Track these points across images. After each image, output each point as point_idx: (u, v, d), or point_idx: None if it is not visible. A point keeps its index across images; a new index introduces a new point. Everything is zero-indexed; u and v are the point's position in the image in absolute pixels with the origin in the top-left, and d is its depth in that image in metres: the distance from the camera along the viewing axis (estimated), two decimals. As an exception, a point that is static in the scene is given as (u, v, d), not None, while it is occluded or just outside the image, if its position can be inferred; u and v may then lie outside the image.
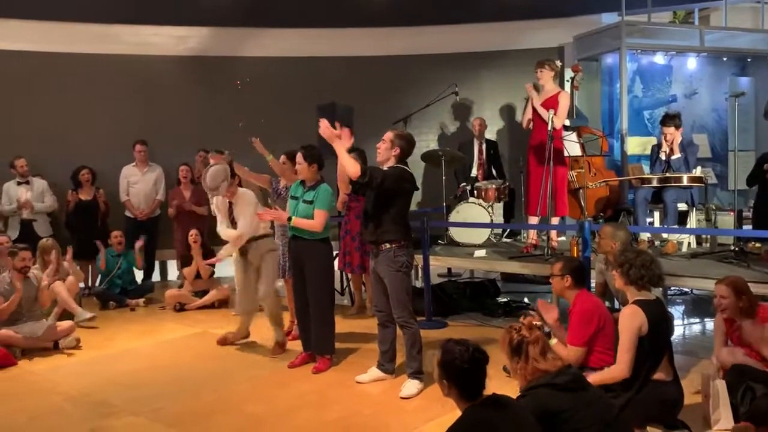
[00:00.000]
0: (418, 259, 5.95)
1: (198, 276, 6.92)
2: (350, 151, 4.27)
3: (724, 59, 8.09)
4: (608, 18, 8.46)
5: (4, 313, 5.24)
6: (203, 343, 5.57)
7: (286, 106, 8.25)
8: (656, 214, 6.45)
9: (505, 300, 6.52)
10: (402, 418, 3.86)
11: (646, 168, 6.98)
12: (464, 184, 7.46)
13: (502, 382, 2.74)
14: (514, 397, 2.62)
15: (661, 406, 3.27)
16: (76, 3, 7.98)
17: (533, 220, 6.20)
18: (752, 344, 3.56)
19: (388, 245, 4.20)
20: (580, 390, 2.65)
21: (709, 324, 5.79)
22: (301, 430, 3.77)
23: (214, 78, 8.57)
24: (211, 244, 7.14)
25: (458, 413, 2.53)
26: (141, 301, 7.03)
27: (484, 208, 6.79)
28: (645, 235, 6.11)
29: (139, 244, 7.19)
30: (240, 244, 5.12)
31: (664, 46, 7.81)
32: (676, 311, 6.30)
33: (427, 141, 8.80)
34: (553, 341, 3.61)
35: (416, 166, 7.41)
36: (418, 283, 6.76)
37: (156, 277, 8.33)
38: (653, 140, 6.99)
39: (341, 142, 4.16)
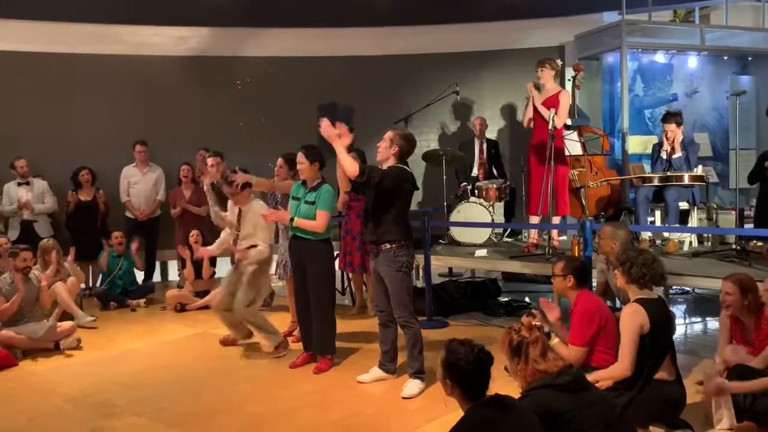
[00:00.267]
0: (419, 258, 5.95)
1: (199, 276, 6.92)
2: (349, 149, 4.27)
3: (725, 58, 8.08)
4: (609, 17, 8.45)
5: (5, 314, 5.23)
6: (204, 343, 5.56)
7: (287, 106, 8.25)
8: (657, 213, 6.44)
9: (506, 299, 6.52)
10: (404, 418, 3.86)
11: (647, 167, 6.98)
12: (465, 183, 7.45)
13: (504, 383, 2.73)
14: (516, 397, 2.62)
15: (663, 405, 3.26)
16: (77, 3, 7.97)
17: (534, 219, 6.19)
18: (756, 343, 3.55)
19: (388, 245, 4.19)
20: (582, 390, 2.64)
21: (711, 323, 5.79)
22: (303, 430, 3.76)
23: (214, 78, 8.57)
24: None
25: (460, 413, 2.52)
26: (142, 301, 7.03)
27: (485, 207, 6.78)
28: (646, 234, 6.10)
29: (134, 245, 7.15)
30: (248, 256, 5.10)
31: (664, 44, 7.81)
32: (678, 310, 6.29)
33: (427, 140, 8.80)
34: (555, 341, 3.60)
35: (417, 166, 7.41)
36: (419, 283, 6.76)
37: (157, 277, 8.33)
38: (654, 139, 6.98)
39: (341, 141, 4.16)
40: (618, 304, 4.57)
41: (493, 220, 6.81)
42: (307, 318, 4.73)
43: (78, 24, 8.13)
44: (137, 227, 7.79)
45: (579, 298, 3.72)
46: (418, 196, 8.12)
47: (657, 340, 3.20)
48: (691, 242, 6.30)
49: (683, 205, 6.18)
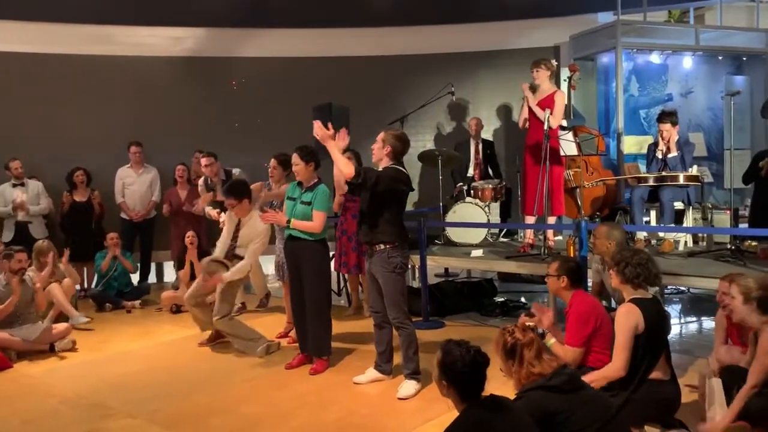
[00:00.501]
0: (415, 259, 5.95)
1: (194, 277, 6.90)
2: (345, 151, 4.27)
3: (720, 58, 8.11)
4: (604, 17, 8.46)
5: (0, 316, 5.21)
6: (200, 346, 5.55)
7: (282, 107, 8.25)
8: (653, 213, 6.46)
9: (502, 300, 6.52)
10: (400, 419, 3.86)
11: (643, 167, 6.99)
12: (461, 183, 7.46)
13: (500, 383, 2.73)
14: (511, 398, 2.62)
15: (658, 405, 3.27)
16: (72, 4, 7.95)
17: (530, 219, 6.20)
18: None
19: (382, 246, 4.19)
20: (577, 390, 2.65)
21: (706, 323, 5.80)
22: (299, 431, 3.77)
23: (209, 79, 8.56)
24: (210, 246, 7.13)
25: (456, 414, 2.53)
26: (137, 302, 7.01)
27: (481, 207, 6.79)
28: (642, 234, 6.11)
29: (113, 253, 7.07)
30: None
31: (659, 45, 7.83)
32: (673, 310, 6.31)
33: (423, 141, 8.81)
34: (552, 341, 3.61)
35: (413, 166, 7.41)
36: (415, 284, 6.76)
37: (152, 278, 8.31)
38: (649, 139, 7.00)
39: (336, 143, 4.16)
40: (613, 304, 4.58)
41: (488, 220, 6.82)
42: (303, 319, 4.73)
43: (73, 25, 8.11)
44: (132, 228, 7.77)
45: (574, 299, 3.72)
46: (414, 197, 8.13)
47: (652, 340, 3.21)
48: (686, 242, 6.32)
49: (678, 205, 6.20)
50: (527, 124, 6.15)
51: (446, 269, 7.82)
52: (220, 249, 5.27)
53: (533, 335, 2.75)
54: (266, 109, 8.43)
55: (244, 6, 8.32)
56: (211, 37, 8.60)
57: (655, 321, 3.23)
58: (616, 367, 3.20)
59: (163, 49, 8.53)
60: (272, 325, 5.34)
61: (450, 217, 6.79)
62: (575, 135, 6.63)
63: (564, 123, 6.30)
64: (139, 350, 5.50)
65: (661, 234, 6.18)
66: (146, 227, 7.92)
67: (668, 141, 6.07)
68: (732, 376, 3.31)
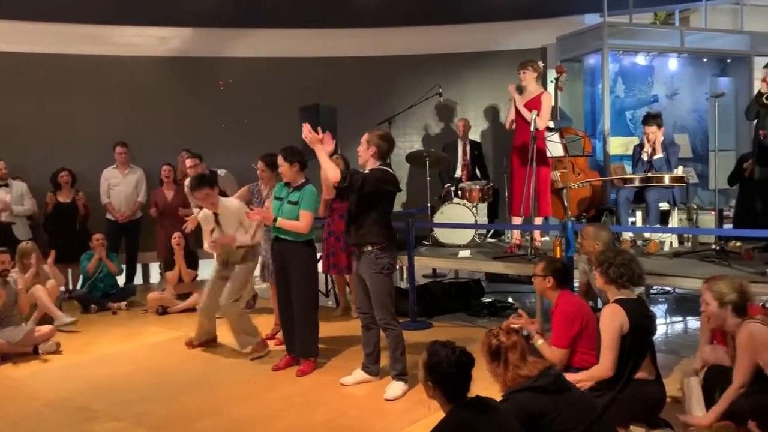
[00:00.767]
0: (403, 260, 5.95)
1: (181, 279, 6.87)
2: (332, 155, 4.27)
3: (705, 60, 8.17)
4: (590, 19, 8.52)
5: (-17, 318, 5.16)
6: (186, 346, 5.51)
7: (269, 107, 8.23)
8: (638, 214, 6.50)
9: (489, 300, 6.54)
10: (387, 420, 3.85)
11: (629, 168, 7.03)
12: (449, 184, 7.47)
13: (486, 384, 2.74)
14: (498, 399, 2.62)
15: (644, 405, 3.29)
16: (58, 3, 7.89)
17: (517, 220, 6.22)
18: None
19: (369, 247, 4.19)
20: (563, 391, 2.66)
21: (692, 323, 5.85)
22: (286, 434, 3.75)
23: (197, 79, 8.53)
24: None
25: (442, 415, 2.53)
26: (123, 304, 6.96)
27: (469, 208, 6.80)
28: (627, 235, 6.15)
29: (103, 250, 7.01)
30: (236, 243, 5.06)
31: (645, 46, 7.88)
32: (659, 310, 6.35)
33: (411, 142, 8.82)
34: (539, 342, 3.62)
35: (401, 167, 7.42)
36: (403, 284, 6.76)
37: (138, 280, 8.26)
38: (635, 140, 7.04)
39: (323, 146, 4.16)
40: (600, 304, 4.60)
41: (476, 221, 6.83)
42: (290, 320, 4.72)
43: (59, 24, 8.06)
44: (118, 229, 7.72)
45: (560, 299, 3.74)
46: (401, 198, 8.14)
47: (637, 340, 3.23)
48: (671, 243, 6.36)
49: (664, 205, 6.24)
50: (514, 126, 6.17)
51: (434, 270, 7.83)
52: (208, 241, 5.22)
53: (518, 338, 2.75)
54: (253, 109, 8.40)
55: (231, 6, 8.30)
56: (199, 37, 8.57)
57: (640, 321, 3.25)
58: (602, 368, 3.22)
59: (149, 48, 8.49)
60: (259, 327, 5.31)
61: (438, 217, 6.80)
62: (562, 136, 6.68)
63: (551, 124, 6.33)
64: (125, 352, 5.46)
65: (646, 234, 6.22)
66: (132, 228, 7.87)
67: (653, 143, 6.12)
68: (717, 376, 3.33)
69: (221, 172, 6.52)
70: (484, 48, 8.77)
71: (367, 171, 4.22)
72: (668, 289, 6.73)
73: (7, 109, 7.89)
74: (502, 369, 2.68)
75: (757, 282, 4.36)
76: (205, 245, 5.27)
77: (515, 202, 6.13)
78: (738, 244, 5.69)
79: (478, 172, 7.82)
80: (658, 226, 6.07)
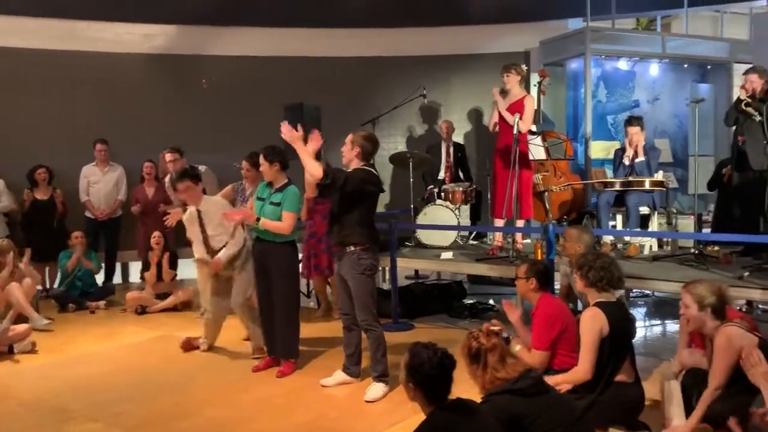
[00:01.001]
0: (386, 261, 5.95)
1: (160, 278, 6.80)
2: (317, 155, 4.24)
3: (685, 66, 8.27)
4: (574, 24, 8.58)
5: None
6: (165, 346, 5.46)
7: (253, 106, 8.18)
8: (619, 218, 6.55)
9: (471, 302, 6.55)
10: (367, 422, 3.84)
11: (610, 172, 7.09)
12: (432, 186, 7.48)
13: (467, 386, 2.74)
14: (478, 401, 2.63)
15: (623, 407, 3.31)
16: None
17: (499, 222, 6.24)
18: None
19: (352, 248, 4.17)
20: (542, 394, 2.67)
21: (670, 326, 5.91)
22: (265, 435, 3.73)
23: (180, 77, 8.46)
24: (177, 246, 7.03)
25: (423, 416, 2.52)
26: (101, 303, 6.87)
27: (451, 210, 6.81)
28: (608, 238, 6.20)
29: (76, 256, 6.91)
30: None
31: (627, 52, 7.96)
32: (638, 313, 6.41)
33: (395, 143, 8.82)
34: (517, 348, 3.62)
35: (384, 168, 7.41)
36: (385, 285, 6.75)
37: (117, 279, 8.16)
38: (617, 145, 7.11)
39: (309, 144, 4.15)
40: (580, 307, 4.63)
41: (459, 222, 6.85)
42: (271, 321, 4.68)
43: (40, 19, 7.94)
44: (97, 228, 7.63)
45: (541, 302, 3.75)
46: (384, 199, 8.13)
47: (617, 343, 3.25)
48: (651, 246, 6.42)
49: (644, 209, 6.30)
50: (497, 128, 6.19)
51: (416, 271, 7.83)
52: (198, 250, 5.12)
53: (497, 340, 2.76)
54: (237, 108, 8.35)
55: (216, 4, 8.24)
56: (183, 34, 8.50)
57: (620, 324, 3.27)
58: (582, 370, 3.23)
59: (132, 45, 8.40)
60: (240, 327, 5.28)
61: (421, 219, 6.80)
62: (544, 139, 6.72)
63: (533, 127, 6.36)
64: (103, 352, 5.39)
65: (627, 238, 6.27)
66: (111, 226, 7.78)
67: (636, 146, 6.17)
68: (694, 379, 3.36)
69: (201, 168, 6.44)
70: (468, 50, 8.80)
71: (350, 171, 4.20)
72: (647, 292, 6.79)
73: (-15, 104, 7.77)
74: (481, 371, 2.68)
75: (735, 286, 4.41)
76: (196, 254, 5.16)
77: (498, 204, 6.15)
78: (716, 248, 5.76)
79: (461, 174, 7.84)
80: (638, 229, 6.12)
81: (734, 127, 5.78)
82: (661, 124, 8.12)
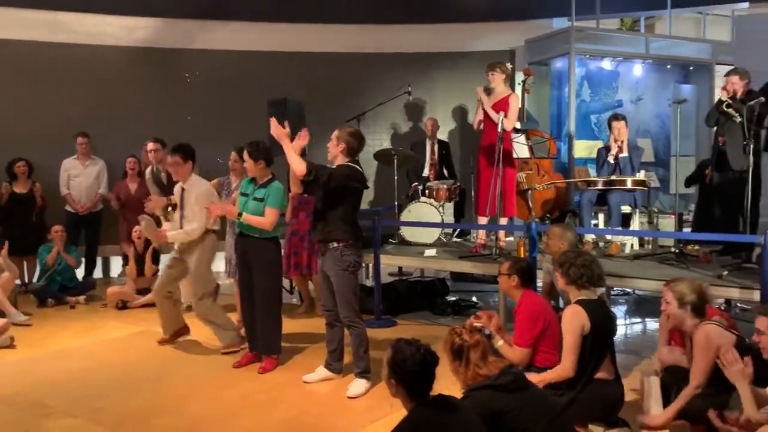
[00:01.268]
0: (369, 258, 5.95)
1: (141, 273, 6.74)
2: (303, 152, 4.23)
3: (668, 67, 8.35)
4: (559, 23, 8.63)
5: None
6: (146, 341, 5.41)
7: (237, 101, 8.13)
8: (601, 216, 6.61)
9: (454, 299, 6.57)
10: (349, 418, 3.84)
11: (592, 172, 7.15)
12: (416, 183, 7.48)
13: (449, 383, 2.75)
14: (459, 397, 2.63)
15: (603, 404, 3.34)
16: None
17: (482, 220, 6.26)
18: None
19: (335, 244, 4.17)
20: (522, 390, 2.68)
21: (650, 324, 5.97)
22: (247, 431, 3.70)
23: (163, 70, 8.38)
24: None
25: (405, 413, 2.52)
26: (81, 298, 6.80)
27: (435, 207, 6.82)
28: (590, 237, 6.25)
29: (56, 250, 6.83)
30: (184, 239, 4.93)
31: (611, 52, 8.02)
32: (619, 311, 6.46)
33: (380, 140, 8.80)
34: (500, 343, 3.64)
35: (369, 165, 7.39)
36: (368, 282, 6.75)
37: (98, 273, 8.08)
38: (600, 144, 7.16)
39: (297, 142, 4.15)
40: (562, 304, 4.66)
41: (442, 220, 6.86)
42: (253, 317, 4.66)
43: (21, 10, 7.82)
44: (78, 221, 7.54)
45: (523, 299, 3.77)
46: (369, 195, 8.12)
47: (597, 341, 3.27)
48: (632, 245, 6.48)
49: (626, 208, 6.36)
50: (482, 126, 6.21)
51: (400, 268, 7.84)
52: (170, 225, 5.08)
53: (480, 337, 2.77)
54: (220, 102, 8.29)
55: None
56: (167, 28, 8.42)
57: (601, 322, 3.30)
58: (564, 368, 3.26)
59: (115, 38, 8.31)
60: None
61: (405, 216, 6.81)
62: (528, 138, 6.74)
63: (517, 125, 6.38)
64: (83, 347, 5.33)
65: (608, 236, 6.32)
66: (92, 221, 7.69)
67: (621, 142, 6.22)
68: (674, 376, 3.41)
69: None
70: (453, 48, 8.81)
71: (334, 167, 4.20)
72: (628, 290, 6.86)
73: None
74: (464, 368, 2.69)
75: (715, 285, 4.46)
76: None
77: (481, 202, 6.17)
78: (696, 247, 5.83)
79: (445, 172, 7.85)
80: (620, 228, 6.18)
81: (715, 128, 5.85)
82: (644, 124, 8.20)
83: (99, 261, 8.10)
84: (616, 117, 6.32)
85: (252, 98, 7.57)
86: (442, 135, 8.43)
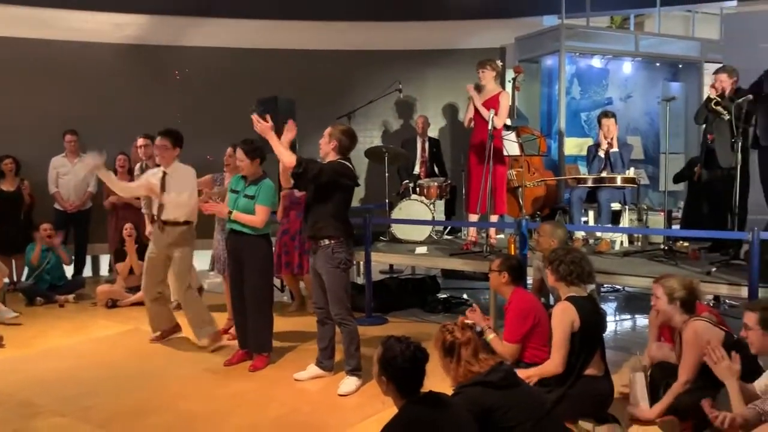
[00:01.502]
0: (360, 255, 5.94)
1: (131, 271, 6.71)
2: (292, 146, 4.22)
3: (658, 64, 8.38)
4: (549, 20, 8.64)
5: None
6: (136, 340, 5.39)
7: (226, 98, 8.09)
8: (591, 213, 6.63)
9: (444, 296, 6.59)
10: (340, 415, 3.84)
11: (583, 169, 7.17)
12: (407, 181, 7.48)
13: (439, 380, 2.75)
14: (449, 394, 2.64)
15: (593, 400, 3.36)
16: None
17: (473, 217, 6.27)
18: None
19: (326, 241, 4.16)
20: (513, 386, 2.69)
21: (640, 320, 6.01)
22: (238, 429, 3.69)
23: (153, 67, 8.33)
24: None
25: (396, 410, 2.53)
26: (71, 297, 6.75)
27: (426, 205, 6.83)
28: (580, 234, 6.27)
29: (58, 239, 6.84)
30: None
31: (601, 49, 8.04)
32: (609, 308, 6.50)
33: (371, 137, 8.79)
34: (491, 336, 3.66)
35: (360, 162, 7.39)
36: (360, 280, 6.74)
37: (87, 272, 8.03)
38: (590, 141, 7.18)
39: (285, 135, 4.14)
40: (552, 301, 4.68)
41: (433, 217, 6.86)
42: (243, 315, 4.65)
43: (8, 6, 7.73)
44: (66, 220, 7.49)
45: (514, 296, 3.79)
46: (360, 193, 8.12)
47: (587, 337, 3.29)
48: (622, 242, 6.52)
49: (615, 205, 6.38)
50: (472, 124, 6.21)
51: (391, 266, 7.84)
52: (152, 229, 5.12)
53: (471, 334, 2.78)
54: (210, 100, 8.25)
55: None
56: (156, 24, 8.36)
57: (591, 319, 3.32)
58: (553, 364, 3.28)
59: (104, 35, 8.24)
60: (218, 320, 5.23)
61: (395, 213, 6.81)
62: (518, 135, 6.76)
63: (508, 122, 6.40)
64: (72, 346, 5.30)
65: (598, 234, 6.35)
66: (81, 219, 7.64)
67: (611, 138, 6.24)
68: (662, 372, 3.43)
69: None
70: (444, 46, 8.81)
71: (325, 162, 4.19)
72: (618, 287, 6.89)
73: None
74: (455, 365, 2.70)
75: (703, 281, 4.49)
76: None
77: (472, 199, 6.17)
78: (685, 244, 5.87)
79: (436, 169, 7.86)
80: (610, 225, 6.20)
81: (704, 126, 5.88)
82: (633, 122, 8.23)
83: (88, 259, 8.06)
84: (605, 114, 6.35)
85: (242, 95, 7.53)
86: (433, 132, 8.43)
